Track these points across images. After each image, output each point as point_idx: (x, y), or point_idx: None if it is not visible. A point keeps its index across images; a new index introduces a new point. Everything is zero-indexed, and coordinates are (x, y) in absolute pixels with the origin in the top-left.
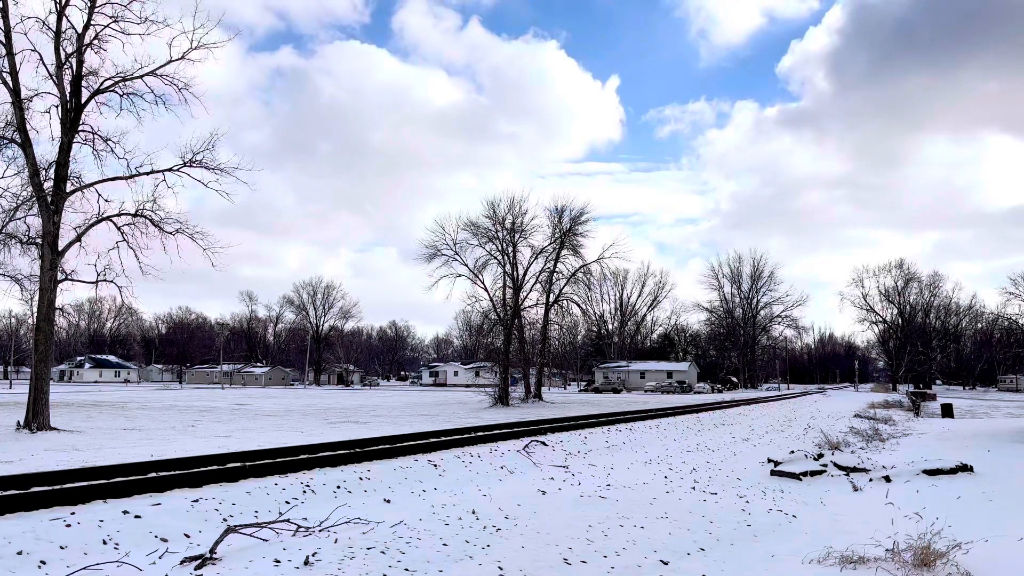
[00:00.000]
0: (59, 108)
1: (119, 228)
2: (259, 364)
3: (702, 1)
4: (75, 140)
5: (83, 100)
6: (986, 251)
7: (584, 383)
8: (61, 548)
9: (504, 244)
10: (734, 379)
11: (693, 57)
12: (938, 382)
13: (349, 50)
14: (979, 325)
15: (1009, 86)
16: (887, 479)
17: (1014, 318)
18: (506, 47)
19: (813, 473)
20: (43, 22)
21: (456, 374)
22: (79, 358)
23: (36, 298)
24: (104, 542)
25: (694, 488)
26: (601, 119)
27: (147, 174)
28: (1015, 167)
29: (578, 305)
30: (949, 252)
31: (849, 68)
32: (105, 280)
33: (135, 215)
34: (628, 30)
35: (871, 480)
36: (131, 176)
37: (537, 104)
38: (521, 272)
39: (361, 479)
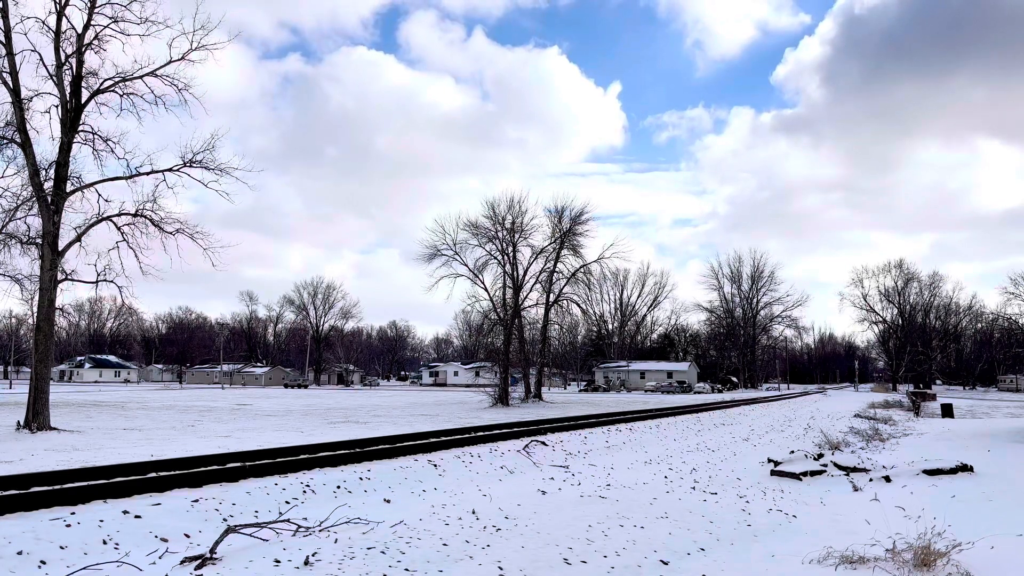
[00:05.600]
0: (59, 108)
1: (119, 228)
2: (259, 364)
3: (698, 14)
4: (75, 140)
5: (83, 100)
6: (982, 252)
7: (584, 383)
8: (61, 548)
9: (504, 244)
10: (734, 379)
11: (690, 67)
12: (938, 382)
13: (356, 57)
14: (979, 325)
15: (997, 93)
16: (887, 479)
17: (1014, 318)
18: (510, 55)
19: (813, 473)
20: (43, 22)
21: (456, 374)
22: (79, 358)
23: (36, 298)
24: (104, 542)
25: (694, 488)
26: (604, 125)
27: (147, 174)
28: (1007, 171)
29: (578, 305)
30: (945, 253)
31: (842, 77)
32: (105, 280)
33: (135, 215)
34: (626, 42)
35: (871, 480)
36: (131, 176)
37: (541, 110)
38: (521, 272)
39: (361, 479)
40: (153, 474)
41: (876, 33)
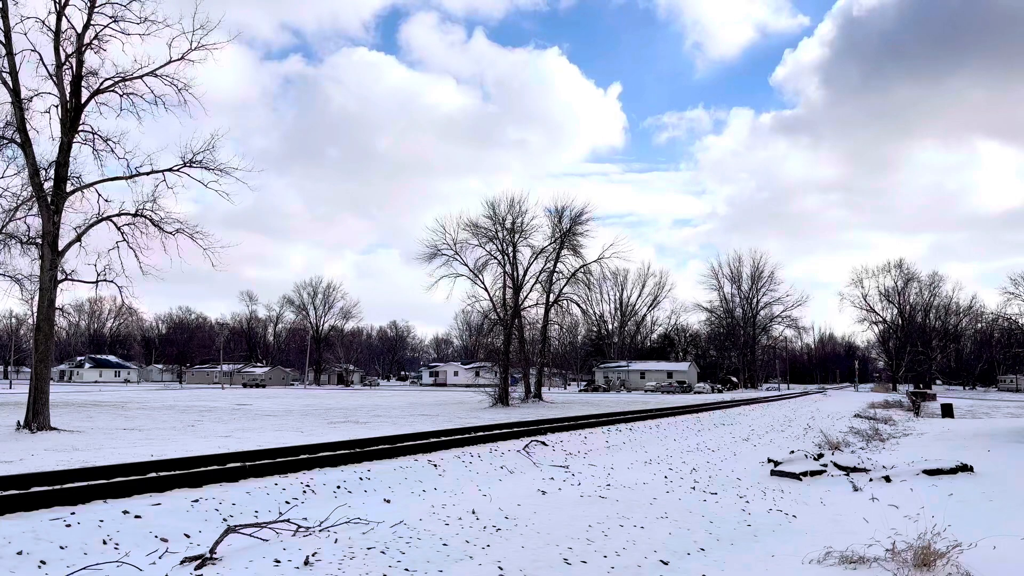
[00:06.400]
0: (59, 108)
1: (119, 228)
2: (259, 364)
3: (697, 16)
4: (75, 140)
5: (83, 100)
6: (981, 253)
7: (584, 383)
8: (61, 548)
9: (504, 244)
10: (734, 379)
11: (689, 68)
12: (938, 382)
13: (357, 58)
14: (979, 325)
15: (996, 94)
16: (887, 479)
17: (1014, 318)
18: (511, 56)
19: (813, 473)
20: (43, 22)
21: (456, 374)
22: (79, 358)
23: (36, 298)
24: (104, 542)
25: (694, 488)
26: (604, 125)
27: (147, 174)
28: (1006, 171)
29: (578, 305)
30: (944, 254)
31: (841, 78)
32: (105, 280)
33: (135, 215)
34: (626, 43)
35: (871, 480)
36: (131, 176)
37: (542, 110)
38: (521, 272)
39: (361, 479)
40: (153, 474)
41: (875, 35)
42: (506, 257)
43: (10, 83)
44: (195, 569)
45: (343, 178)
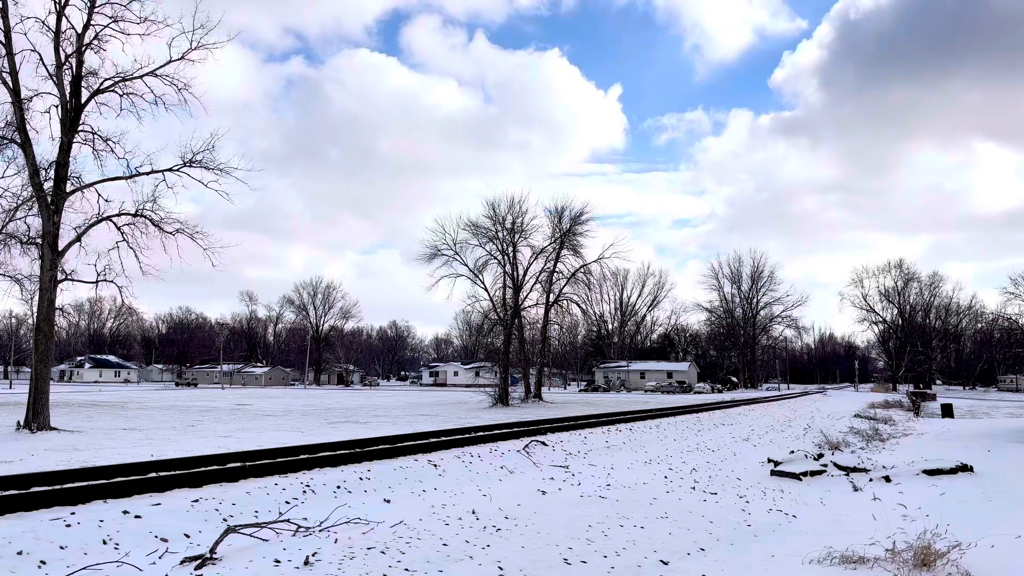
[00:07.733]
0: (59, 108)
1: (119, 228)
2: (259, 364)
3: (696, 19)
4: (75, 140)
5: (83, 100)
6: (980, 253)
7: (584, 383)
8: (61, 548)
9: (504, 244)
10: (734, 379)
11: (689, 70)
12: (938, 382)
13: (359, 60)
14: (979, 325)
15: (994, 95)
16: (887, 479)
17: (1014, 318)
18: (512, 58)
19: (813, 473)
20: (43, 22)
21: (456, 374)
22: (79, 358)
23: (36, 298)
24: (104, 542)
25: (694, 488)
26: (604, 127)
27: (147, 174)
28: (1004, 172)
29: (578, 305)
30: (943, 254)
31: (839, 80)
32: (105, 280)
33: (135, 215)
34: (626, 46)
35: (871, 480)
36: (131, 176)
37: (543, 112)
38: (521, 272)
39: (361, 479)
40: (153, 474)
41: (872, 37)
42: (506, 257)
43: (10, 83)
44: (195, 569)
45: (344, 179)
